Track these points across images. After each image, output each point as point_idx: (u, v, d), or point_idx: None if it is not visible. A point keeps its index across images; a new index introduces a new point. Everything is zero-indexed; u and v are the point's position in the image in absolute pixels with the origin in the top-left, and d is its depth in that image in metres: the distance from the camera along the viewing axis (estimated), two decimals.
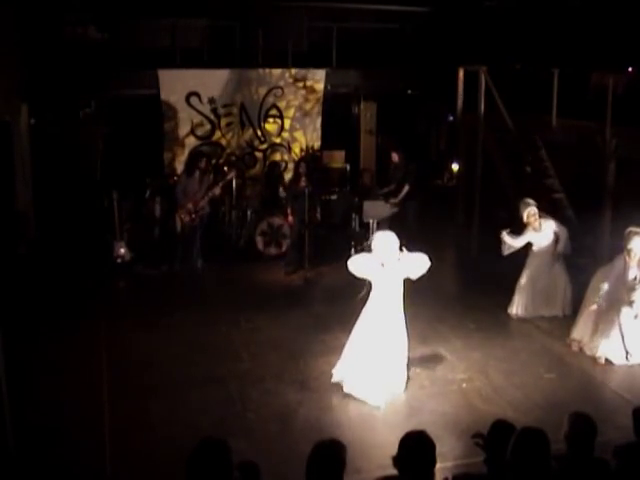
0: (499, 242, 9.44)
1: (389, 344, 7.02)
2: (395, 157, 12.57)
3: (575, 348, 8.38)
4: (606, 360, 8.03)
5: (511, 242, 9.27)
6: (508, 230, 9.30)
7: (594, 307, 8.26)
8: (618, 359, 7.99)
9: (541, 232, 9.31)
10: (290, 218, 11.52)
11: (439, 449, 3.57)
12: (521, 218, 9.34)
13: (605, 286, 8.13)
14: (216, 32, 14.00)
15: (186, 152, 13.45)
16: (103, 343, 8.46)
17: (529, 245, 9.44)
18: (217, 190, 11.18)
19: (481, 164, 12.41)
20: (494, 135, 12.35)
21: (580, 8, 12.83)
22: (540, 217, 9.30)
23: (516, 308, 9.45)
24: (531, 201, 9.41)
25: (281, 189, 12.41)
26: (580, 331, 8.44)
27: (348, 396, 7.21)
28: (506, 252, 9.32)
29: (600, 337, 8.09)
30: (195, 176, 11.15)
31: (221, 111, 13.82)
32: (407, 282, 7.01)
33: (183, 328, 8.91)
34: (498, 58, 12.30)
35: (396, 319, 7.09)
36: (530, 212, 9.27)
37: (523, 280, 9.44)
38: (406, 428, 3.78)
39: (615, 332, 7.97)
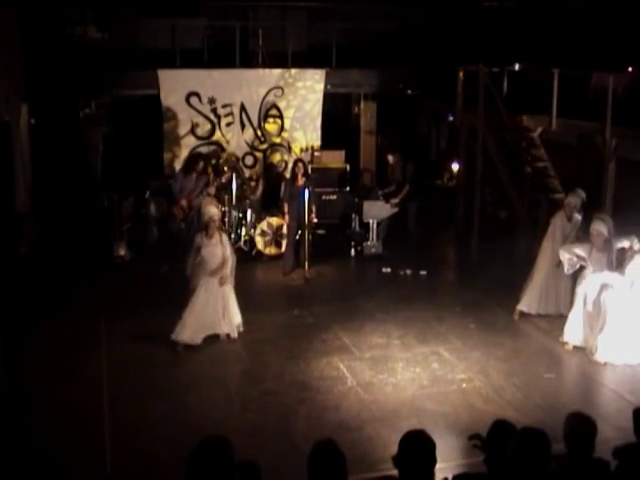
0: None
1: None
2: (391, 159, 12.61)
3: None
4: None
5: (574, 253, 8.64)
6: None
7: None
8: (617, 359, 7.97)
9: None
10: (286, 217, 11.52)
11: (439, 449, 3.56)
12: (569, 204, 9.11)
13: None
14: (216, 32, 14.01)
15: (186, 152, 13.46)
16: (103, 343, 8.47)
17: (539, 242, 9.39)
18: (212, 190, 11.17)
19: (481, 164, 12.42)
20: (494, 135, 12.35)
21: (580, 8, 12.84)
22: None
23: (527, 306, 9.30)
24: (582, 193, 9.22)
25: (282, 189, 12.40)
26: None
27: (348, 396, 7.23)
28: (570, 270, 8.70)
29: (598, 337, 8.08)
30: (192, 176, 11.15)
31: (221, 111, 13.82)
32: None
33: None
34: (498, 58, 12.30)
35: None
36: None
37: (534, 277, 9.26)
38: (406, 428, 3.78)
39: (611, 330, 7.97)
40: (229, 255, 8.43)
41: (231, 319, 8.60)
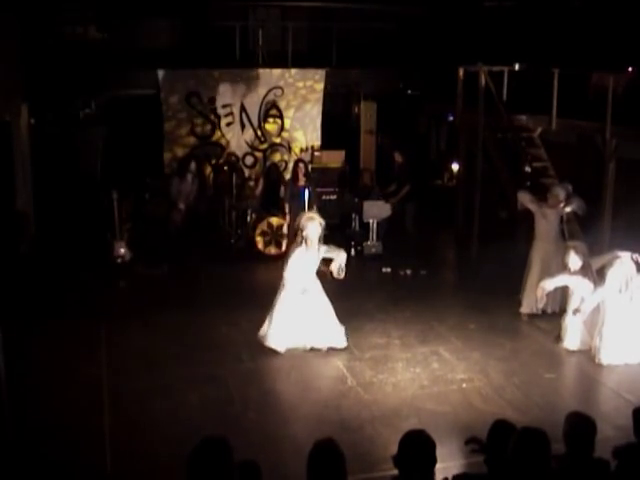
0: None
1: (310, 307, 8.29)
2: (399, 157, 12.53)
3: None
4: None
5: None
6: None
7: None
8: (617, 359, 7.97)
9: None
10: (287, 217, 11.53)
11: (439, 449, 3.56)
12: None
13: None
14: (216, 32, 14.02)
15: (186, 152, 13.46)
16: (103, 343, 8.46)
17: (531, 237, 9.42)
18: (209, 192, 11.19)
19: (481, 164, 12.42)
20: (494, 135, 12.35)
21: (580, 8, 12.83)
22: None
23: (529, 307, 9.27)
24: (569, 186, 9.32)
25: (282, 189, 12.40)
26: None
27: (348, 396, 7.23)
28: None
29: (597, 338, 8.08)
30: (187, 179, 11.15)
31: (221, 111, 13.84)
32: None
33: (183, 328, 8.90)
34: (498, 58, 12.30)
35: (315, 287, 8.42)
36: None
37: (533, 276, 9.22)
38: (406, 428, 3.78)
39: (610, 331, 7.97)
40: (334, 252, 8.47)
41: (328, 332, 8.28)
